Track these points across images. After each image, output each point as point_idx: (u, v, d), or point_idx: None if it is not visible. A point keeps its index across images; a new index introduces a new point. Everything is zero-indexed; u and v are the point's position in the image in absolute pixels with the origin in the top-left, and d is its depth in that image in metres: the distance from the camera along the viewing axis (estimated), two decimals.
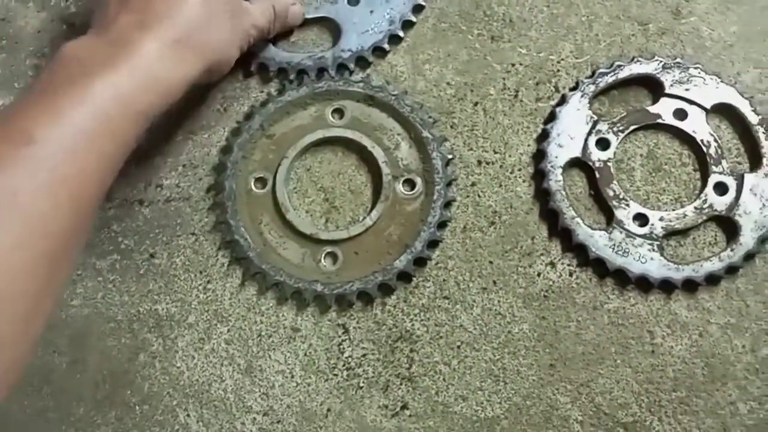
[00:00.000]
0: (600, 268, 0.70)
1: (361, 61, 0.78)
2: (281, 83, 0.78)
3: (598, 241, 0.69)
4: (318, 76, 0.77)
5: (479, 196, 0.74)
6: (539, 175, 0.72)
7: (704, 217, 0.69)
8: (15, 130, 0.51)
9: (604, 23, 0.78)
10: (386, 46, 0.78)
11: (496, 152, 0.75)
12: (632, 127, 0.73)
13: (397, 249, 0.71)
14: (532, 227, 0.72)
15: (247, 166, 0.76)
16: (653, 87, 0.74)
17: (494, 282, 0.71)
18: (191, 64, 0.62)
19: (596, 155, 0.72)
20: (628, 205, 0.70)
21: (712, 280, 0.68)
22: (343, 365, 0.71)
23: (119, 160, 0.57)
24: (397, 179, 0.74)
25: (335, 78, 0.77)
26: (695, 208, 0.69)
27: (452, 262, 0.72)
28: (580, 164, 0.73)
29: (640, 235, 0.69)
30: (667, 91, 0.73)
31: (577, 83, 0.75)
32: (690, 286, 0.68)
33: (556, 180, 0.71)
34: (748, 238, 0.68)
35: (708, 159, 0.71)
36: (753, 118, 0.71)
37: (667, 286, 0.68)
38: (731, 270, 0.68)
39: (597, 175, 0.71)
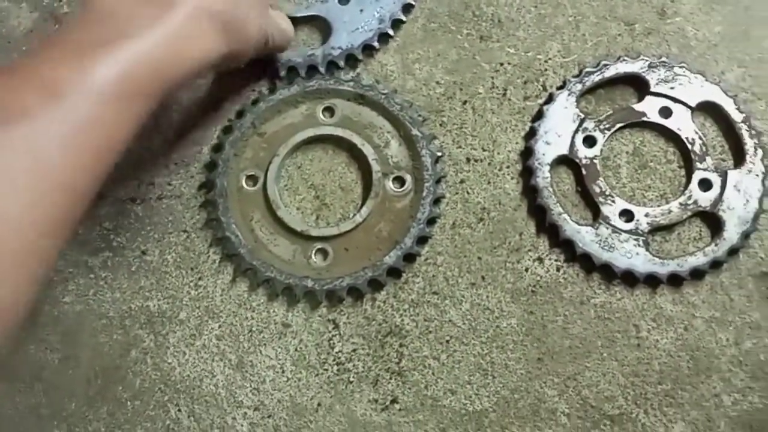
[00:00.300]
0: (587, 263, 0.71)
1: (351, 59, 0.79)
2: (272, 81, 0.79)
3: (585, 236, 0.70)
4: (308, 73, 0.78)
5: (468, 192, 0.75)
6: (527, 172, 0.73)
7: (689, 213, 0.70)
8: (43, 80, 0.50)
9: (591, 23, 0.79)
10: (376, 44, 0.79)
11: (484, 150, 0.76)
12: (618, 125, 0.74)
13: (386, 245, 0.72)
14: (520, 223, 0.73)
15: (239, 164, 0.77)
16: (639, 86, 0.75)
17: (483, 277, 0.72)
18: (218, 45, 0.61)
19: (583, 152, 0.73)
20: (614, 201, 0.71)
21: (697, 274, 0.69)
22: (334, 360, 0.71)
23: (138, 124, 0.56)
24: (387, 176, 0.75)
25: (326, 76, 0.78)
26: (680, 204, 0.71)
27: (441, 258, 0.73)
28: (567, 161, 0.74)
29: (626, 231, 0.70)
30: (653, 89, 0.74)
31: (564, 82, 0.76)
32: (675, 280, 0.69)
33: (543, 177, 0.72)
34: (731, 233, 0.69)
35: (692, 156, 0.72)
36: (737, 116, 0.72)
37: (652, 281, 0.69)
38: (715, 264, 0.69)
39: (584, 172, 0.73)
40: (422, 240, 0.72)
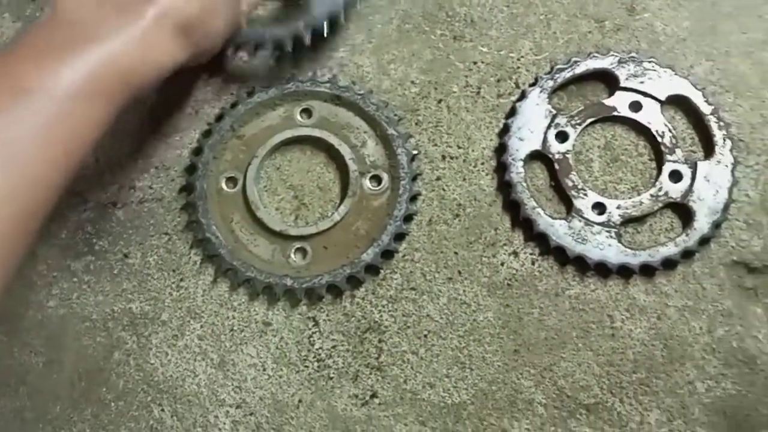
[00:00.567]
0: (561, 255, 0.72)
1: (335, 24, 0.78)
2: (251, 87, 0.80)
3: (559, 230, 0.71)
4: (295, 47, 0.77)
5: (444, 189, 0.76)
6: (501, 168, 0.75)
7: (660, 205, 0.71)
8: (14, 78, 0.52)
9: (561, 21, 0.80)
10: (358, 5, 0.79)
11: (459, 147, 0.77)
12: (589, 120, 0.75)
13: (364, 243, 0.73)
14: (495, 218, 0.74)
15: (218, 167, 0.78)
16: (609, 81, 0.77)
17: (459, 272, 0.73)
18: (183, 49, 0.63)
19: (555, 148, 0.74)
20: (586, 194, 0.72)
21: (669, 264, 0.70)
22: (314, 357, 0.72)
23: (106, 123, 0.58)
24: (364, 175, 0.76)
25: (303, 81, 0.79)
26: (651, 195, 0.72)
27: (418, 254, 0.74)
28: (540, 157, 0.75)
29: (598, 223, 0.71)
30: (623, 84, 0.75)
31: (536, 79, 0.77)
32: (647, 271, 0.70)
33: (517, 172, 0.73)
34: (702, 224, 0.70)
35: (663, 148, 0.73)
36: (706, 109, 0.73)
37: (625, 272, 0.70)
38: (687, 254, 0.70)
39: (556, 167, 0.74)
40: (399, 237, 0.73)
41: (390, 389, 0.71)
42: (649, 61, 0.76)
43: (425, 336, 0.71)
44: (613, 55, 0.76)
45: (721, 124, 0.73)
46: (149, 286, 0.76)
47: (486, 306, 0.72)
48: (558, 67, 0.76)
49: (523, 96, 0.76)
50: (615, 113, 0.75)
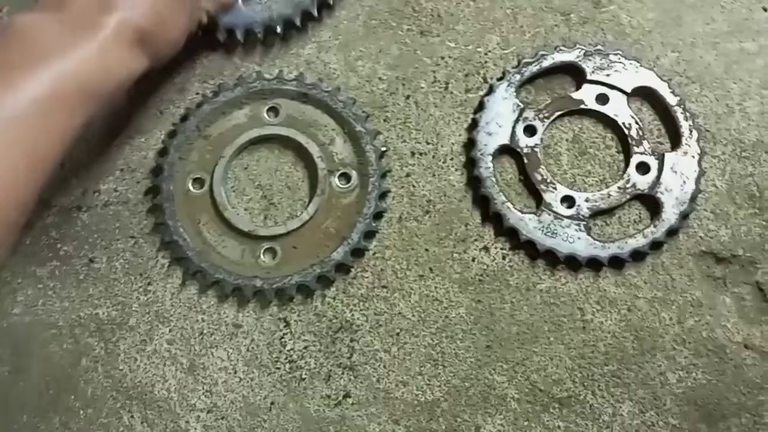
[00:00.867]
0: (531, 250, 0.72)
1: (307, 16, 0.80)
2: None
3: (529, 224, 0.71)
4: (285, 26, 0.79)
5: (413, 186, 0.75)
6: (470, 163, 0.74)
7: (628, 196, 0.72)
8: None
9: (528, 15, 0.80)
10: None
11: (428, 143, 0.77)
12: (557, 114, 0.75)
13: (334, 241, 0.73)
14: (466, 214, 0.74)
15: (185, 168, 0.77)
16: (576, 74, 0.77)
17: (431, 269, 0.73)
18: (143, 57, 0.64)
19: (524, 142, 0.74)
20: (555, 188, 0.72)
21: (638, 256, 0.70)
22: (286, 358, 0.72)
23: (70, 135, 0.58)
24: (333, 173, 0.75)
25: (270, 79, 0.78)
26: (619, 188, 0.72)
27: (389, 252, 0.73)
28: (509, 151, 0.75)
29: (567, 217, 0.71)
30: (589, 77, 0.75)
31: (503, 73, 0.77)
32: (617, 263, 0.70)
33: (486, 167, 0.73)
34: (670, 215, 0.70)
35: (630, 141, 0.73)
36: (672, 100, 0.74)
37: (595, 264, 0.70)
38: (655, 246, 0.70)
39: (525, 161, 0.74)
40: (369, 235, 0.73)
41: (363, 389, 0.70)
42: (615, 54, 0.76)
43: (397, 334, 0.71)
44: (579, 48, 0.76)
45: (688, 114, 0.73)
46: (116, 290, 0.75)
47: (458, 302, 0.71)
48: (525, 61, 0.76)
49: (491, 90, 0.76)
50: (582, 106, 0.75)
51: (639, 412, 0.67)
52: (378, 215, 0.73)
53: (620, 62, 0.75)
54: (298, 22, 0.79)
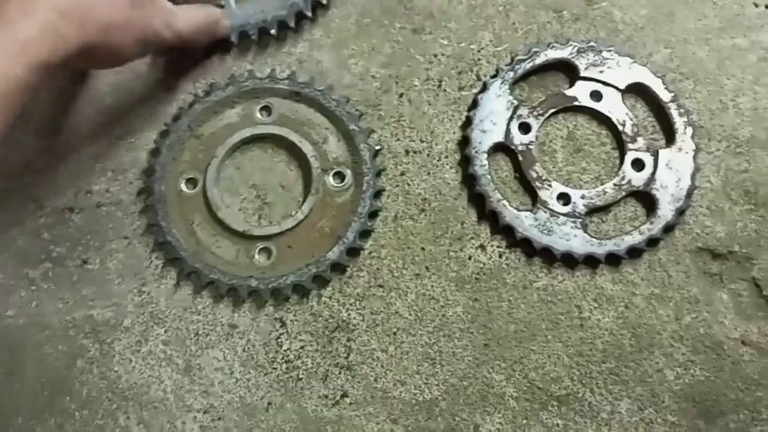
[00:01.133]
0: (528, 247, 0.71)
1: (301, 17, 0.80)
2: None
3: (524, 221, 0.71)
4: (280, 28, 0.79)
5: (408, 184, 0.75)
6: (465, 161, 0.74)
7: (623, 193, 0.72)
8: None
9: (520, 12, 0.80)
10: None
11: (422, 141, 0.76)
12: (551, 111, 0.75)
13: (329, 241, 0.72)
14: (461, 212, 0.74)
15: (177, 168, 0.76)
16: (569, 71, 0.77)
17: (427, 268, 0.72)
18: (68, 40, 0.59)
19: (518, 139, 0.74)
20: (550, 185, 0.72)
21: (634, 253, 0.70)
22: (282, 358, 0.71)
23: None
24: (327, 172, 0.75)
25: (262, 78, 0.78)
26: (614, 184, 0.72)
27: (385, 251, 0.73)
28: (503, 148, 0.75)
29: (563, 214, 0.71)
30: (582, 74, 0.75)
31: (497, 71, 0.77)
32: (613, 260, 0.70)
33: (481, 165, 0.73)
34: (666, 211, 0.70)
35: (624, 137, 0.73)
36: (665, 96, 0.74)
37: (591, 262, 0.70)
38: (652, 242, 0.70)
39: (520, 158, 0.73)
40: (365, 234, 0.73)
41: (360, 388, 0.70)
42: (608, 50, 0.76)
43: (394, 333, 0.71)
44: (572, 44, 0.76)
45: (682, 111, 0.73)
46: (110, 292, 0.74)
47: (455, 301, 0.71)
48: (518, 58, 0.76)
49: (484, 88, 0.76)
50: (576, 103, 0.75)
51: (637, 409, 0.67)
52: (373, 214, 0.73)
53: (613, 59, 0.75)
54: (292, 24, 0.78)
